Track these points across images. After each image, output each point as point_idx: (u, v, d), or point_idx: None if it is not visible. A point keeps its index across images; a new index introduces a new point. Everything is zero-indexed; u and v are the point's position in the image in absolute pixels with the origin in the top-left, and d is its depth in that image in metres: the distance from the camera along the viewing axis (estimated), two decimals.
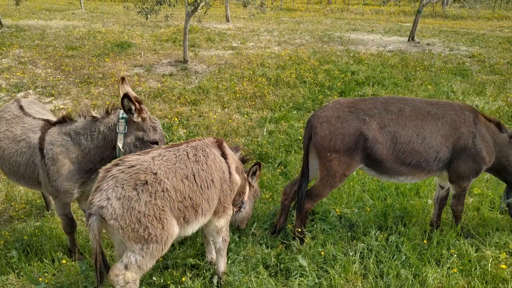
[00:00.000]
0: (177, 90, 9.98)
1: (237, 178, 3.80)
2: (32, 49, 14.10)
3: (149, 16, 11.37)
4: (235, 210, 4.13)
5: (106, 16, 25.76)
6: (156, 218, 3.17)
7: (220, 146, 3.77)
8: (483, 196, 5.32)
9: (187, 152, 3.47)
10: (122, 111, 3.83)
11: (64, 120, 3.99)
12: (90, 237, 3.15)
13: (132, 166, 3.20)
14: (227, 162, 3.71)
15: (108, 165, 3.25)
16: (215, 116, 8.41)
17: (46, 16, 24.12)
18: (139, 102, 3.83)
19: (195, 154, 3.49)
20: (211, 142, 3.73)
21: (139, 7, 11.51)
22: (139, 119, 3.80)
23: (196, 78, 11.27)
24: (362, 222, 4.75)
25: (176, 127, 7.76)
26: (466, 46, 16.64)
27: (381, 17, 31.76)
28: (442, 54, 14.78)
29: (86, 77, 10.93)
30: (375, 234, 4.46)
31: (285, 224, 4.69)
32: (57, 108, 8.86)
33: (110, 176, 3.14)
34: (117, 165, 3.22)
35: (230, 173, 3.71)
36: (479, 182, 5.66)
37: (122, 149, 3.81)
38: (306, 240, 4.43)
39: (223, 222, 3.80)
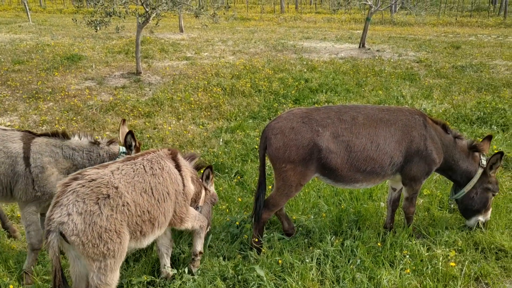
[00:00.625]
0: (130, 102, 9.81)
1: (191, 188, 3.84)
2: None
3: (98, 28, 11.13)
4: None
5: (56, 28, 25.03)
6: (116, 233, 3.15)
7: (174, 158, 3.80)
8: (433, 196, 5.50)
9: (143, 166, 3.47)
10: (122, 147, 4.37)
11: (55, 134, 4.26)
12: (49, 255, 3.06)
13: (93, 180, 3.16)
14: (181, 174, 3.75)
15: (66, 179, 3.18)
16: (169, 128, 8.31)
17: None
18: (139, 143, 4.44)
19: (152, 167, 3.51)
20: (165, 154, 3.76)
21: (88, 19, 11.24)
22: (133, 150, 4.36)
23: (150, 90, 11.12)
24: (318, 228, 4.80)
25: None
26: (413, 52, 17.27)
27: (333, 25, 32.51)
28: (392, 60, 15.28)
29: (34, 92, 10.55)
30: (330, 239, 4.51)
31: (292, 226, 4.75)
32: (3, 125, 8.47)
33: (70, 190, 3.08)
34: (76, 179, 3.16)
35: (184, 184, 3.73)
36: (428, 183, 5.85)
37: None
38: (263, 250, 4.43)
39: (189, 224, 3.90)
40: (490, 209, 4.75)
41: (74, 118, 8.86)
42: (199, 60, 14.98)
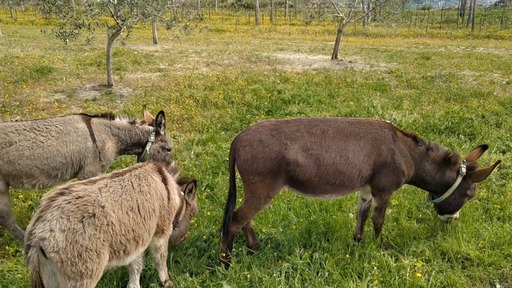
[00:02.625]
0: None
1: (176, 202, 3.85)
2: None
3: (68, 41, 10.95)
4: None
5: (26, 40, 24.60)
6: (96, 253, 3.10)
7: (160, 171, 3.79)
8: (401, 206, 5.55)
9: (131, 182, 3.46)
10: (150, 126, 5.40)
11: (104, 115, 5.19)
12: (29, 270, 2.97)
13: (80, 197, 3.11)
14: (167, 188, 3.75)
15: (52, 193, 3.10)
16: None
17: None
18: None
19: (139, 184, 3.49)
20: (151, 169, 3.74)
21: (56, 31, 11.06)
22: (163, 133, 5.44)
23: (121, 102, 10.97)
24: (288, 241, 4.77)
25: None
26: (385, 63, 17.60)
27: (307, 36, 32.93)
28: (363, 71, 15.51)
29: (0, 105, 10.27)
30: (299, 252, 4.48)
31: (257, 242, 4.72)
32: None
33: (55, 206, 3.00)
34: (62, 194, 3.10)
35: (169, 198, 3.74)
36: (397, 193, 5.90)
37: (148, 152, 5.37)
38: (231, 264, 4.36)
39: (162, 242, 3.85)
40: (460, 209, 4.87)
41: None
42: (172, 72, 14.91)
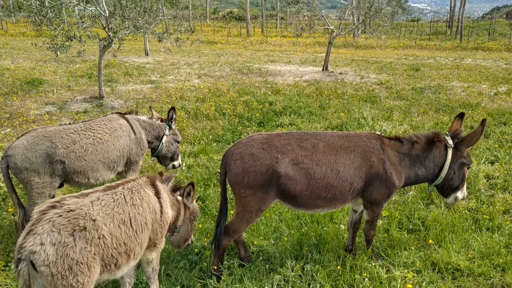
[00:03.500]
0: None
1: (168, 215, 3.84)
2: None
3: (59, 53, 10.95)
4: (168, 234, 4.17)
5: (17, 52, 24.53)
6: (87, 266, 3.08)
7: (153, 185, 3.79)
8: (392, 217, 5.59)
9: (124, 196, 3.45)
10: (163, 122, 6.17)
11: (130, 112, 5.93)
12: (19, 284, 2.97)
13: (71, 210, 3.10)
14: (160, 201, 3.74)
15: (44, 207, 3.11)
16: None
17: None
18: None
19: (132, 198, 3.49)
20: (144, 182, 3.74)
21: (48, 43, 11.06)
22: (174, 127, 6.25)
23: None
24: (279, 253, 4.77)
25: None
26: (375, 74, 17.78)
27: (298, 48, 33.19)
28: (354, 82, 15.65)
29: None
30: (291, 264, 4.49)
31: (249, 254, 4.71)
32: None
33: (46, 219, 3.00)
34: (54, 207, 3.09)
35: (162, 212, 3.73)
36: (388, 204, 5.94)
37: (164, 144, 6.13)
38: (223, 277, 4.35)
39: (154, 255, 3.84)
40: (465, 184, 4.76)
41: None
42: (164, 84, 14.93)
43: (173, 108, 6.11)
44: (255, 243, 4.99)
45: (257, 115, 10.69)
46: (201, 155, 8.11)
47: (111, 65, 18.06)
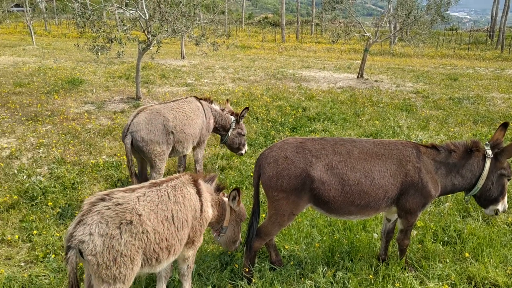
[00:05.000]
0: None
1: (208, 214, 3.95)
2: None
3: (100, 54, 11.29)
4: (215, 235, 4.33)
5: (59, 52, 25.39)
6: (130, 259, 3.21)
7: (195, 183, 3.89)
8: (426, 228, 5.47)
9: (168, 193, 3.58)
10: (233, 117, 7.05)
11: (206, 99, 6.81)
12: (68, 270, 3.14)
13: (119, 204, 3.25)
14: (201, 200, 3.85)
15: (94, 199, 3.26)
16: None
17: None
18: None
19: (175, 195, 3.61)
20: (187, 180, 3.85)
21: (89, 45, 11.42)
22: (241, 122, 7.11)
23: None
24: (310, 258, 4.76)
25: (125, 166, 7.60)
26: (411, 83, 17.48)
27: (333, 54, 33.01)
28: (389, 90, 15.44)
29: (33, 114, 10.62)
30: (322, 270, 4.46)
31: (280, 258, 4.71)
32: (0, 147, 8.50)
33: (95, 210, 3.16)
34: (103, 200, 3.25)
35: (202, 210, 3.84)
36: (422, 214, 5.83)
37: (229, 135, 7.02)
38: (254, 280, 4.37)
39: (190, 253, 3.93)
40: (506, 196, 4.58)
41: (72, 141, 8.89)
42: (199, 87, 15.14)
43: (246, 108, 6.99)
44: (286, 247, 5.00)
45: (290, 120, 10.69)
46: (234, 158, 8.17)
47: (148, 67, 18.45)
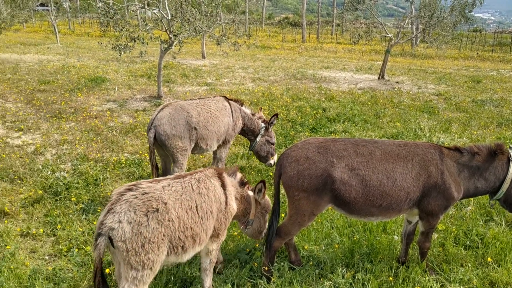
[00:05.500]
0: None
1: (233, 207, 4.05)
2: (3, 83, 13.96)
3: (123, 53, 11.45)
4: (241, 227, 4.46)
5: (82, 50, 25.82)
6: (157, 245, 3.36)
7: (220, 177, 4.01)
8: (448, 232, 5.41)
9: (191, 184, 3.71)
10: (262, 123, 6.93)
11: (236, 100, 6.80)
12: (94, 255, 3.28)
13: (146, 193, 3.40)
14: (225, 193, 3.96)
15: (122, 189, 3.43)
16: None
17: (20, 50, 24.01)
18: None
19: (198, 187, 3.74)
20: (211, 174, 3.97)
21: (113, 44, 11.60)
22: (270, 130, 6.97)
23: None
24: (330, 259, 4.75)
25: (146, 163, 7.71)
26: (433, 85, 17.25)
27: (353, 55, 32.78)
28: (411, 92, 15.27)
29: (57, 111, 10.84)
30: (342, 271, 4.46)
31: (299, 258, 4.73)
32: (25, 143, 8.71)
33: (124, 200, 3.32)
34: (130, 190, 3.41)
35: (226, 203, 3.95)
36: (443, 218, 5.76)
37: (258, 142, 6.89)
38: (273, 279, 4.39)
39: (214, 246, 4.02)
40: None
41: (94, 138, 9.05)
42: (219, 86, 15.22)
43: (276, 115, 6.84)
44: (306, 247, 5.00)
45: (310, 120, 10.67)
46: (253, 157, 8.20)
47: (169, 67, 18.63)
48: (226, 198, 3.95)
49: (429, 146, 4.36)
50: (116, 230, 3.19)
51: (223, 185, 3.96)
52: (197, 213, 3.63)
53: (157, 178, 3.71)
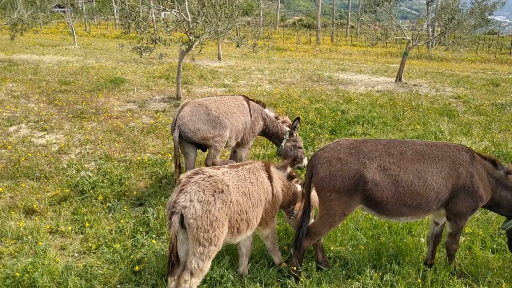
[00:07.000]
0: (170, 126, 10.05)
1: (279, 198, 4.39)
2: (25, 84, 14.20)
3: (143, 54, 11.58)
4: (286, 217, 4.82)
5: (99, 52, 26.10)
6: (222, 224, 3.66)
7: (267, 169, 4.35)
8: (474, 235, 5.39)
9: (244, 174, 4.06)
10: (287, 127, 6.83)
11: (258, 102, 6.89)
12: (170, 233, 3.63)
13: (211, 176, 3.75)
14: (271, 185, 4.28)
15: (189, 173, 3.79)
16: (207, 152, 8.46)
17: (39, 51, 24.37)
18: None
19: (249, 176, 4.08)
20: (260, 166, 4.32)
21: (134, 45, 11.73)
22: (295, 135, 6.85)
23: None
24: (356, 260, 4.77)
25: (169, 163, 7.79)
26: (451, 87, 17.12)
27: (369, 57, 32.65)
28: (429, 95, 15.18)
29: (79, 112, 11.00)
30: (370, 272, 4.47)
31: (326, 259, 4.79)
32: (49, 142, 8.86)
33: (193, 181, 3.66)
34: (197, 173, 3.76)
35: (273, 194, 4.28)
36: (470, 221, 5.74)
37: (283, 147, 6.84)
38: (301, 279, 4.43)
39: (268, 231, 4.40)
40: None
41: (117, 138, 9.16)
42: (237, 88, 15.29)
43: (298, 118, 6.75)
44: (332, 248, 5.03)
45: (329, 122, 10.67)
46: (274, 159, 8.23)
47: (186, 68, 18.75)
48: (273, 189, 4.24)
49: (461, 148, 4.37)
50: (188, 208, 3.50)
51: (270, 177, 4.26)
52: (250, 199, 3.93)
53: (215, 166, 4.05)
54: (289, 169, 4.66)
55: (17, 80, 14.66)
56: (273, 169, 4.40)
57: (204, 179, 3.69)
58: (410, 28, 40.54)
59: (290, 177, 4.61)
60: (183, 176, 3.75)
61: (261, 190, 4.11)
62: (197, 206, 3.52)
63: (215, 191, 3.64)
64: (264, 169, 4.30)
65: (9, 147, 8.50)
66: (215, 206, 3.59)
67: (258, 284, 4.35)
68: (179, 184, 3.71)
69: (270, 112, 6.90)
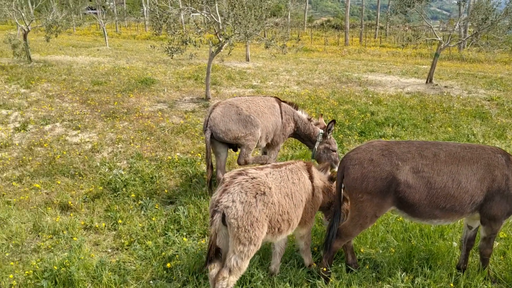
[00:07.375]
0: (199, 126, 10.20)
1: (319, 199, 4.46)
2: (59, 84, 14.61)
3: (174, 55, 11.76)
4: (324, 219, 4.98)
5: (130, 53, 26.60)
6: (262, 224, 3.76)
7: (308, 170, 4.43)
8: (509, 240, 5.27)
9: (287, 174, 4.15)
10: (321, 130, 6.69)
11: (290, 104, 6.83)
12: (211, 231, 3.72)
13: (254, 177, 3.84)
14: (312, 185, 4.36)
15: (233, 173, 3.89)
16: (237, 153, 8.53)
17: (72, 52, 25.03)
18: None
19: (292, 177, 4.17)
20: (302, 166, 4.41)
21: (165, 47, 11.94)
22: (328, 137, 6.68)
23: None
24: (387, 263, 4.73)
25: (199, 163, 7.90)
26: (484, 89, 16.71)
27: (398, 59, 32.19)
28: (461, 97, 14.87)
29: (111, 111, 11.25)
30: (401, 275, 4.43)
31: (356, 261, 4.78)
32: (83, 141, 9.10)
33: (236, 182, 3.77)
34: (241, 174, 3.86)
35: (313, 194, 4.36)
36: (504, 226, 5.61)
37: (316, 149, 6.70)
38: (331, 280, 4.43)
39: (304, 231, 4.45)
40: None
41: (148, 138, 9.34)
42: (265, 89, 15.33)
43: (333, 121, 6.60)
44: (362, 250, 5.00)
45: (358, 124, 10.59)
46: (303, 160, 8.23)
47: (215, 69, 18.92)
48: (313, 190, 4.30)
49: (496, 150, 4.28)
50: (230, 208, 3.61)
51: (311, 178, 4.33)
52: (292, 200, 4.00)
53: (260, 166, 4.11)
54: (329, 171, 4.73)
55: (51, 80, 15.11)
56: (314, 170, 4.49)
57: (247, 181, 3.78)
58: (441, 28, 39.73)
59: (331, 179, 4.67)
60: (226, 176, 3.85)
61: (303, 190, 4.19)
62: (239, 206, 3.62)
63: (257, 193, 3.73)
64: (305, 169, 4.38)
65: (45, 145, 8.78)
66: (256, 207, 3.68)
67: (287, 284, 4.37)
68: (222, 184, 3.82)
69: (302, 114, 6.82)
